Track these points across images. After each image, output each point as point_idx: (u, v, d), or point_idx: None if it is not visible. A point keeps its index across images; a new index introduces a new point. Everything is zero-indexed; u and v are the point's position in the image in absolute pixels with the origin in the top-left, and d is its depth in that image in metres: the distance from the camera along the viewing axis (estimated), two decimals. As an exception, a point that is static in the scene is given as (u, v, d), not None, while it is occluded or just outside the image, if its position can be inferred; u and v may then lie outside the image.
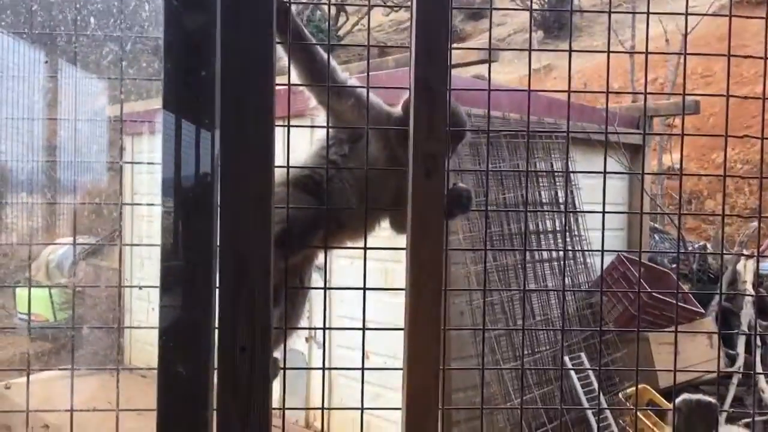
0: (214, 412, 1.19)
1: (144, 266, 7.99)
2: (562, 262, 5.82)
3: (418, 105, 1.41)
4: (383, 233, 2.09)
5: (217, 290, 1.18)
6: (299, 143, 1.71)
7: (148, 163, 7.93)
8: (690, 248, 8.38)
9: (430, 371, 1.42)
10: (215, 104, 1.20)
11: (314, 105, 1.94)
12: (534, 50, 1.84)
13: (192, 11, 1.20)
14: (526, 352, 5.19)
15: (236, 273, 1.17)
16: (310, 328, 5.95)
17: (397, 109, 1.98)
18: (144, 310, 7.87)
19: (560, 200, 6.11)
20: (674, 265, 7.73)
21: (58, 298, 9.78)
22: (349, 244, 2.02)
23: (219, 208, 1.18)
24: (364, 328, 1.68)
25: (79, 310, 9.16)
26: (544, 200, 6.09)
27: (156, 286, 1.19)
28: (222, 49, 1.20)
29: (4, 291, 10.31)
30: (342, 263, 5.58)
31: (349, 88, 1.92)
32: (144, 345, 7.95)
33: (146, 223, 7.77)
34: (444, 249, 1.43)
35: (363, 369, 1.72)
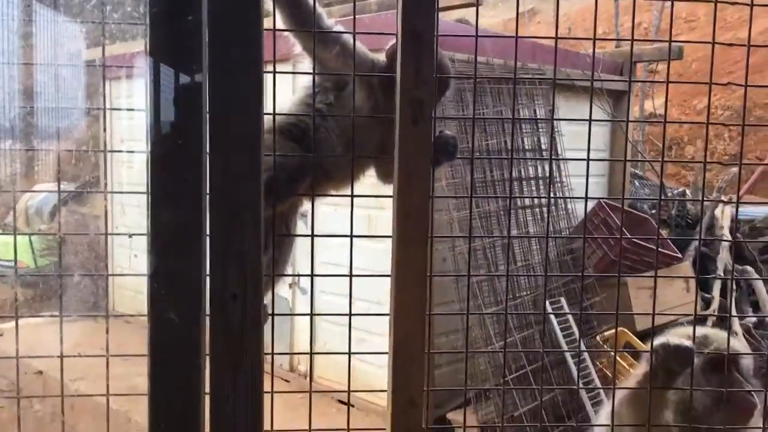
0: (207, 359, 1.21)
1: (125, 213, 7.95)
2: (544, 209, 5.87)
3: (406, 51, 1.39)
4: (367, 181, 2.09)
5: (207, 238, 1.18)
6: (281, 89, 1.70)
7: (128, 110, 7.80)
8: (670, 194, 8.47)
9: (417, 317, 1.45)
10: (203, 50, 1.18)
11: (299, 51, 1.91)
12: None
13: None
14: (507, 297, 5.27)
15: (226, 220, 1.17)
16: (297, 275, 5.99)
17: (382, 57, 1.96)
18: (126, 257, 7.86)
19: (543, 147, 6.12)
20: (654, 211, 7.83)
21: (39, 245, 9.73)
22: (334, 192, 2.03)
23: (208, 156, 1.18)
24: (351, 275, 1.70)
25: (63, 258, 9.14)
26: (527, 147, 6.10)
27: (145, 234, 1.19)
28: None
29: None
30: (326, 210, 5.59)
31: (335, 35, 1.89)
32: (127, 292, 7.96)
33: (126, 168, 7.69)
34: (430, 196, 1.44)
35: (350, 315, 1.75)
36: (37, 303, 8.84)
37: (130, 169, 7.51)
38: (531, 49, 6.42)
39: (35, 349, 2.30)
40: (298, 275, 6.00)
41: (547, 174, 6.12)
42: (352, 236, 1.67)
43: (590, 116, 1.83)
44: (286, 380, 6.33)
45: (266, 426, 1.37)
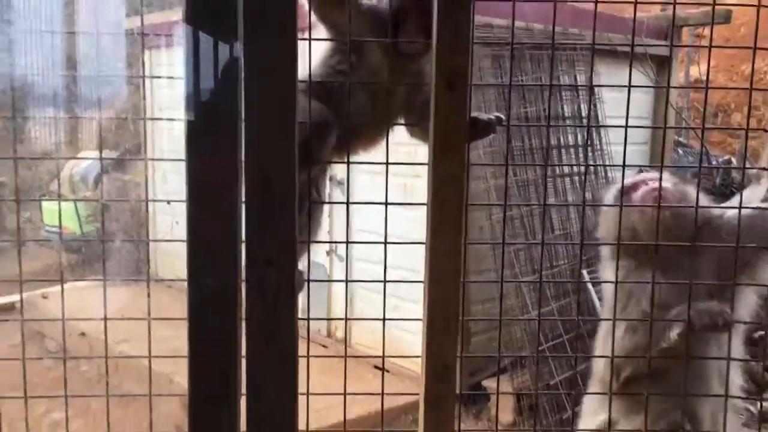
0: (243, 323, 1.24)
1: (167, 180, 8.07)
2: (582, 177, 5.79)
3: (442, 15, 1.38)
4: (402, 149, 2.10)
5: (243, 204, 1.20)
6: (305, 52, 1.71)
7: (169, 78, 7.86)
8: (714, 162, 8.28)
9: (452, 285, 1.45)
10: (238, 17, 1.19)
11: (314, 19, 1.90)
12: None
13: None
14: (544, 266, 5.25)
15: (261, 187, 1.19)
16: (333, 242, 6.04)
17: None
18: (168, 224, 8.01)
19: (583, 114, 6.02)
20: (696, 180, 7.66)
21: (84, 212, 9.93)
22: (365, 152, 2.05)
23: (243, 123, 1.19)
24: (386, 242, 1.71)
25: (107, 225, 9.34)
26: (566, 114, 6.00)
27: (183, 201, 1.21)
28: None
29: (31, 204, 10.47)
30: (362, 178, 5.60)
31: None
32: (169, 257, 8.13)
33: (167, 136, 7.79)
34: (466, 163, 1.43)
35: (384, 282, 1.76)
36: (82, 268, 9.06)
37: (170, 136, 7.61)
38: (572, 14, 6.27)
39: (80, 312, 2.36)
40: (335, 242, 6.06)
41: (587, 141, 6.02)
42: (387, 203, 1.68)
43: (629, 82, 1.80)
44: (324, 345, 6.42)
45: (302, 389, 1.40)
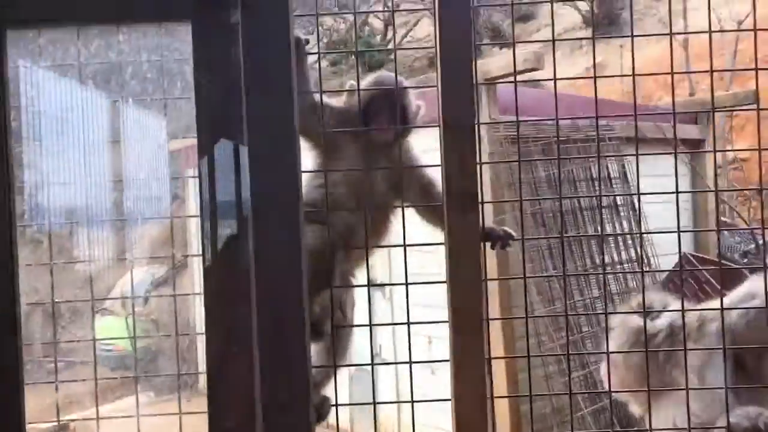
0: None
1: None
2: (625, 266, 5.72)
3: (448, 142, 1.45)
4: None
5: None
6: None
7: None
8: (760, 240, 8.09)
9: (478, 402, 1.46)
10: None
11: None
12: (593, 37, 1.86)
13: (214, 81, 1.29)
14: (592, 359, 5.12)
15: (273, 336, 1.23)
16: (351, 365, 6.01)
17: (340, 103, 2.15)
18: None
19: (619, 203, 6.01)
20: (745, 260, 7.49)
21: (135, 329, 10.08)
22: (379, 242, 2.13)
23: (254, 269, 1.25)
24: (410, 362, 1.72)
25: (154, 340, 9.46)
26: (603, 204, 6.00)
27: None
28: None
29: (84, 322, 10.68)
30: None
31: (321, 107, 2.04)
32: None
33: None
34: (482, 279, 1.46)
35: (412, 401, 1.76)
36: (132, 384, 9.09)
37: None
38: (598, 104, 6.37)
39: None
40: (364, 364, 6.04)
41: (625, 229, 5.98)
42: (408, 324, 1.70)
43: (676, 187, 1.82)
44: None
45: None
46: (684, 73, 8.60)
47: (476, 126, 1.47)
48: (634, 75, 1.84)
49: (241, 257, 1.30)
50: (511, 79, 6.83)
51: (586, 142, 5.83)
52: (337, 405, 1.83)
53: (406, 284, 1.72)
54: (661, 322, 2.31)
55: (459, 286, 1.44)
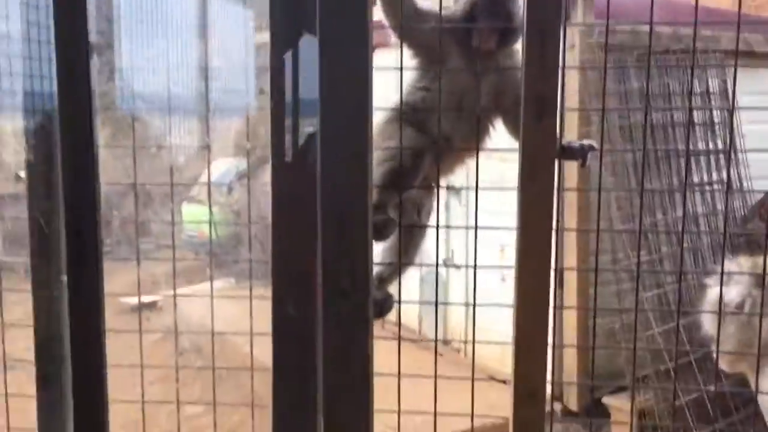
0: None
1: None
2: (714, 186, 5.49)
3: (530, 46, 1.38)
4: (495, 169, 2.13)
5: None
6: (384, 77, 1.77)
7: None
8: None
9: (540, 310, 1.45)
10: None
11: (394, 40, 1.98)
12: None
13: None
14: (668, 280, 5.02)
15: (336, 221, 1.25)
16: (423, 265, 6.08)
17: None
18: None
19: (716, 120, 5.70)
20: None
21: (218, 218, 10.48)
22: (466, 160, 2.10)
23: (320, 165, 1.26)
24: (475, 267, 1.73)
25: (237, 229, 9.83)
26: (697, 121, 5.70)
27: None
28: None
29: (171, 208, 11.14)
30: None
31: (425, 13, 1.96)
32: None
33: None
34: (553, 192, 1.43)
35: (474, 306, 1.78)
36: (216, 270, 9.54)
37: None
38: (704, 13, 5.96)
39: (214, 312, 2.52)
40: (425, 265, 6.08)
41: (719, 148, 5.69)
42: (476, 228, 1.70)
43: None
44: (441, 354, 6.44)
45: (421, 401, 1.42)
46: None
47: (563, 27, 1.39)
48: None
49: (314, 154, 1.31)
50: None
51: (687, 53, 5.49)
52: (400, 302, 1.87)
53: (477, 189, 1.71)
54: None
55: (529, 196, 1.41)
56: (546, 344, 1.47)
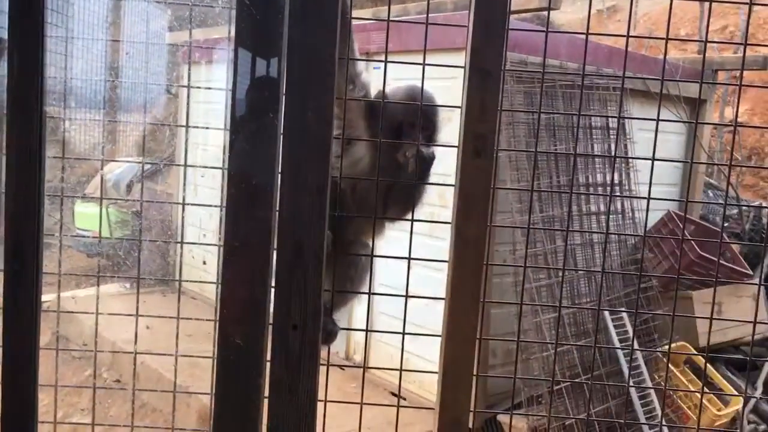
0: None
1: (197, 193, 8.21)
2: (610, 216, 5.79)
3: (472, 87, 1.43)
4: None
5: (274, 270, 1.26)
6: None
7: (207, 88, 8.00)
8: (744, 207, 8.20)
9: (468, 342, 1.50)
10: (283, 41, 1.24)
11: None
12: None
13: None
14: (564, 304, 5.24)
15: (292, 255, 1.25)
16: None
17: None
18: (196, 236, 8.13)
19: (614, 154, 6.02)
20: (727, 224, 7.61)
21: (114, 217, 10.09)
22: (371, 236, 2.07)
23: (279, 192, 1.26)
24: (407, 296, 1.76)
25: (134, 232, 9.49)
26: (597, 152, 6.01)
27: (216, 206, 1.28)
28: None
29: (64, 207, 10.64)
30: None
31: (361, 81, 1.90)
32: (194, 270, 8.25)
33: (201, 151, 7.93)
34: (488, 227, 1.48)
35: (403, 334, 1.81)
36: (109, 273, 9.17)
37: (204, 152, 7.74)
38: (607, 53, 6.30)
39: (107, 318, 2.43)
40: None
41: (616, 180, 6.02)
42: (410, 259, 1.73)
43: (657, 116, 1.83)
44: (342, 368, 6.46)
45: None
46: (674, 39, 8.48)
47: (502, 74, 1.45)
48: (627, 36, 1.81)
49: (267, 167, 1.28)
50: (523, 15, 6.69)
51: (591, 89, 5.79)
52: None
53: (412, 221, 1.74)
54: None
55: (464, 233, 1.45)
56: (471, 375, 1.52)
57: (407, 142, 1.84)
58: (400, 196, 1.96)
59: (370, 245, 2.02)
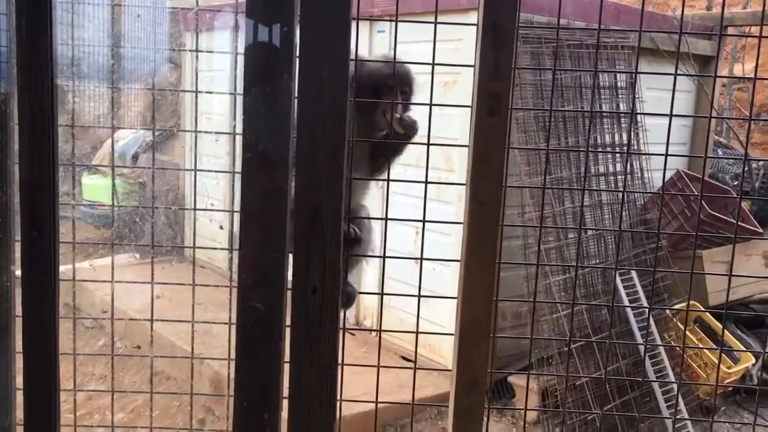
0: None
1: (202, 162, 8.18)
2: (618, 177, 5.75)
3: (486, 45, 1.40)
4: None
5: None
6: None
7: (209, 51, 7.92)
8: (754, 164, 8.14)
9: (485, 303, 1.49)
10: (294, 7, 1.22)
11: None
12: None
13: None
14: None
15: (310, 218, 1.24)
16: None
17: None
18: (202, 204, 8.14)
19: (622, 113, 5.96)
20: (736, 183, 7.57)
21: (121, 188, 10.09)
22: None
23: (296, 156, 1.25)
24: (421, 259, 1.76)
25: (141, 203, 9.49)
26: (605, 113, 5.95)
27: (229, 171, 1.27)
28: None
29: (69, 178, 10.64)
30: (397, 170, 5.63)
31: None
32: (200, 239, 8.26)
33: (205, 120, 7.88)
34: (503, 185, 1.46)
35: (419, 297, 1.81)
36: (116, 244, 9.19)
37: (209, 120, 7.70)
38: (614, 10, 6.21)
39: (118, 287, 2.44)
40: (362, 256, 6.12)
41: (625, 141, 5.97)
42: (424, 222, 1.72)
43: (675, 71, 1.80)
44: (352, 333, 6.51)
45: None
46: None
47: (516, 31, 1.42)
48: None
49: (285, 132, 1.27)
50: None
51: (599, 48, 5.70)
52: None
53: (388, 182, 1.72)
54: None
55: (479, 189, 1.44)
56: (488, 335, 1.52)
57: (386, 102, 1.91)
58: (379, 156, 2.06)
59: (367, 208, 2.10)
